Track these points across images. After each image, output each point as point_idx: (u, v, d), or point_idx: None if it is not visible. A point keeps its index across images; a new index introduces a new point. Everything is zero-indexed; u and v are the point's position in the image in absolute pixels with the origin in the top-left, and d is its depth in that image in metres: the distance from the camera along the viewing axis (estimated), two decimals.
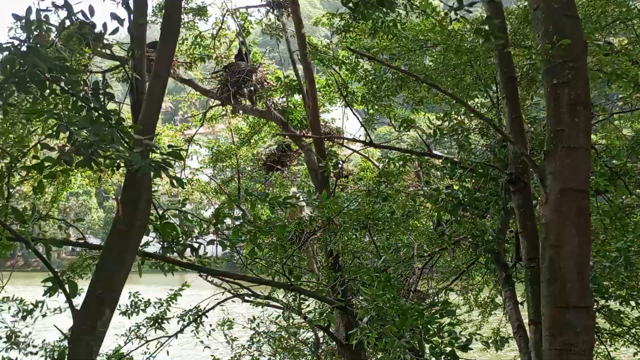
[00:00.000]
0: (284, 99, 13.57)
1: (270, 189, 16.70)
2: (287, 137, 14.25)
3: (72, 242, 6.15)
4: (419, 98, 8.16)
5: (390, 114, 9.75)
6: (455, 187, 7.04)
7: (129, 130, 4.40)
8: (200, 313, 9.60)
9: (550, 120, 5.12)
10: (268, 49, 16.19)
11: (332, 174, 11.36)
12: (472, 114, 6.41)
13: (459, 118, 6.68)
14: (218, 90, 13.68)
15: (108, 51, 5.18)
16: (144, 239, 5.69)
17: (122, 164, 4.49)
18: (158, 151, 4.44)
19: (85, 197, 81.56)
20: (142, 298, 9.80)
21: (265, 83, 13.70)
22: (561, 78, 5.04)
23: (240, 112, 14.06)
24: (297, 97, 13.78)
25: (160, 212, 5.56)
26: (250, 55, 14.04)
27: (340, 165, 13.81)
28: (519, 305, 7.20)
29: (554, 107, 5.08)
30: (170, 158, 4.41)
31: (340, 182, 14.14)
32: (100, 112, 4.36)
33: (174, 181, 4.49)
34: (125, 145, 4.30)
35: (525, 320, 6.56)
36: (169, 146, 4.61)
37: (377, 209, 8.48)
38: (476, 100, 7.98)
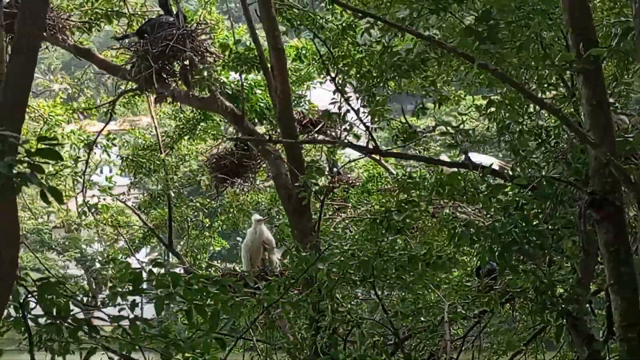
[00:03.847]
0: (237, 78, 13.43)
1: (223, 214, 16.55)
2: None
3: None
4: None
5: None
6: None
7: None
8: None
9: None
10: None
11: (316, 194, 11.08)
12: (532, 102, 6.28)
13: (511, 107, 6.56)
14: (133, 66, 13.47)
15: None
16: None
17: None
18: (23, 149, 4.28)
19: None
20: None
21: (207, 54, 13.56)
22: None
23: (169, 100, 13.85)
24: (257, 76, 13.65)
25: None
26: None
27: (336, 173, 13.56)
28: None
29: None
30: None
31: (335, 198, 13.91)
32: None
33: (48, 194, 4.26)
34: None
35: None
36: (39, 139, 4.42)
37: (385, 248, 8.29)
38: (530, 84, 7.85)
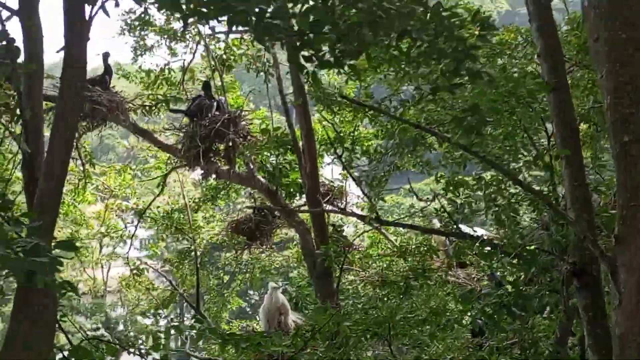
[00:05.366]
0: (273, 158, 13.68)
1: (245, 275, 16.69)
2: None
3: None
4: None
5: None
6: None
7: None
8: None
9: (621, 192, 5.08)
10: (252, 87, 16.48)
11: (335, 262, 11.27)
12: (515, 184, 6.41)
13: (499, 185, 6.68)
14: (183, 145, 13.78)
15: None
16: None
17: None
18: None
19: None
20: None
21: (249, 137, 13.80)
22: (636, 134, 5.01)
23: (213, 176, 14.11)
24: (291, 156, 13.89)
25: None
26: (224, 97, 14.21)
27: (348, 249, 13.73)
28: None
29: (626, 175, 5.03)
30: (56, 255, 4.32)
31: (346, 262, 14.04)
32: None
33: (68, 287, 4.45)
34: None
35: None
36: (58, 244, 4.60)
37: (402, 309, 8.42)
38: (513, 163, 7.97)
